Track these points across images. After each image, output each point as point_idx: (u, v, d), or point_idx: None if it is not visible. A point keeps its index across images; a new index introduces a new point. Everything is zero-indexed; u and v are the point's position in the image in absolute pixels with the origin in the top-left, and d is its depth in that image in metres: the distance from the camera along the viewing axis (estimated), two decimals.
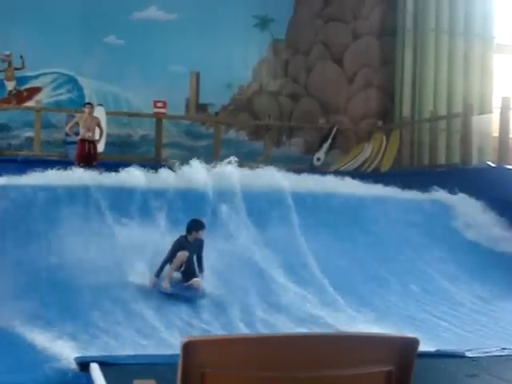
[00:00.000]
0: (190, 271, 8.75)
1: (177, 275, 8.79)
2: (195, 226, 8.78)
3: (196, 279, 8.67)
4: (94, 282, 8.34)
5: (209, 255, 9.09)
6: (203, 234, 8.83)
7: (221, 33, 18.43)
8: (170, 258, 8.66)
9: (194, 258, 8.83)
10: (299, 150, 18.63)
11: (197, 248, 8.80)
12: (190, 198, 10.41)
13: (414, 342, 2.71)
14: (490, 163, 14.33)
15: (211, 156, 16.10)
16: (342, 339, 2.72)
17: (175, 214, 9.94)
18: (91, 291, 8.20)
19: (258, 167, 11.97)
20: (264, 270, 9.56)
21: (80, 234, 9.20)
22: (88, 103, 14.05)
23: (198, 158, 11.42)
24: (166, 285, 8.60)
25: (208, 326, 8.03)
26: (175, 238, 8.91)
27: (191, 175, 10.93)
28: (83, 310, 7.89)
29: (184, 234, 8.86)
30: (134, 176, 10.80)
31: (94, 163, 13.03)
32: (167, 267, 8.70)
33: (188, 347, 2.47)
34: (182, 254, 8.62)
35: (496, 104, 15.90)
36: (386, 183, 12.71)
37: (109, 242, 9.16)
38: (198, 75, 18.57)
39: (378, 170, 16.46)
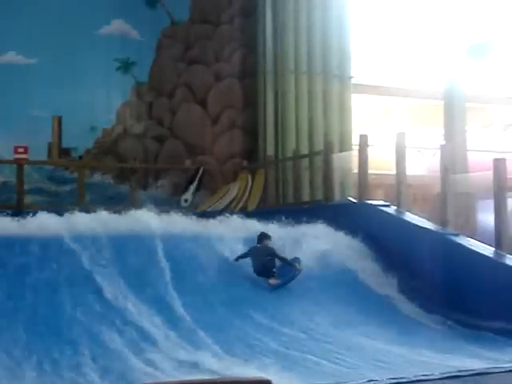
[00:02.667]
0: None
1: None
2: (264, 236, 11.33)
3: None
4: None
5: None
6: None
7: (83, 76, 18.24)
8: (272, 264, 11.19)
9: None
10: (166, 191, 18.56)
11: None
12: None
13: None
14: (351, 199, 14.77)
15: (76, 201, 15.88)
16: None
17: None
18: None
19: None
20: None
21: None
22: None
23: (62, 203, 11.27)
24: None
25: None
26: None
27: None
28: None
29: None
30: None
31: None
32: None
33: None
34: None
35: (355, 141, 16.41)
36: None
37: None
38: (60, 119, 18.22)
39: (245, 209, 16.61)
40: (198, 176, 17.65)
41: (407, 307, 11.70)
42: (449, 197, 12.86)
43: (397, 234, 12.69)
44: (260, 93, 17.80)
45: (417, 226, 12.51)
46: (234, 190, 17.23)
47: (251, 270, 11.23)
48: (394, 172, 13.59)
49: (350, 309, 11.06)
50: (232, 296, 10.56)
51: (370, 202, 13.78)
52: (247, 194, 17.01)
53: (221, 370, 7.90)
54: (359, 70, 19.15)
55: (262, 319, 10.17)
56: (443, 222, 12.65)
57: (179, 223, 12.02)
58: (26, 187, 16.08)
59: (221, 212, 15.54)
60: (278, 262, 11.31)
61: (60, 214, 11.18)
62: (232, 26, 18.50)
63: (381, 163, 15.57)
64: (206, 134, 18.56)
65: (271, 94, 17.60)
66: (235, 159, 18.09)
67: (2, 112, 17.40)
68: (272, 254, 11.20)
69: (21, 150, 16.66)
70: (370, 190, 14.17)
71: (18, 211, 12.75)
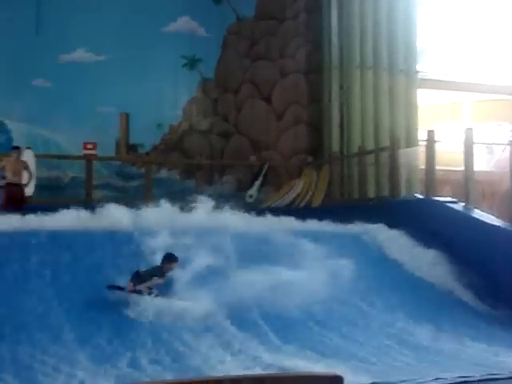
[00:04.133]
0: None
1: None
2: (169, 258, 9.70)
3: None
4: None
5: None
6: (176, 266, 9.69)
7: (150, 73, 18.51)
8: (143, 279, 9.46)
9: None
10: (231, 187, 18.69)
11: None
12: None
13: (338, 379, 2.74)
14: (417, 195, 14.60)
15: (143, 196, 16.10)
16: (269, 380, 2.73)
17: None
18: None
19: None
20: None
21: None
22: (15, 147, 13.89)
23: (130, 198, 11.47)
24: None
25: None
26: None
27: None
28: None
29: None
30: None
31: (23, 207, 12.83)
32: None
33: None
34: (158, 280, 9.53)
35: (422, 137, 16.22)
36: (318, 218, 12.82)
37: None
38: (127, 116, 18.54)
39: (309, 205, 16.59)
40: (263, 172, 17.72)
41: (475, 305, 11.49)
42: None
43: (464, 231, 12.47)
44: (325, 88, 17.73)
45: (485, 223, 12.28)
46: (298, 185, 17.22)
47: None
48: (461, 168, 13.38)
49: (415, 307, 10.91)
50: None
51: (437, 198, 13.59)
52: (312, 189, 16.98)
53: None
54: (426, 64, 18.90)
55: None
56: None
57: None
58: (94, 182, 16.41)
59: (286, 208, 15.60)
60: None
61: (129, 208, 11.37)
62: (297, 21, 18.47)
63: (448, 159, 15.35)
64: (270, 129, 18.60)
65: (336, 90, 17.51)
66: (300, 155, 18.07)
67: (72, 108, 17.80)
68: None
69: (90, 146, 17.02)
70: (436, 186, 13.98)
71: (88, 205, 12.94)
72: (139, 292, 9.32)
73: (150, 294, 9.40)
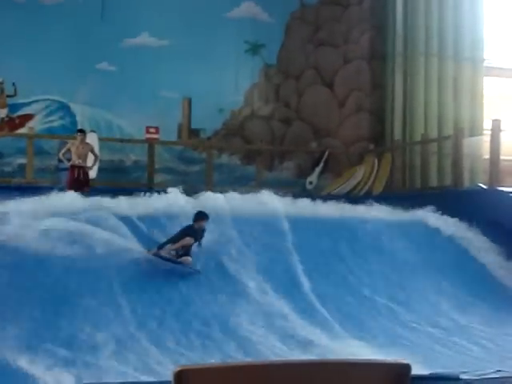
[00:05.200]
0: (186, 254, 9.81)
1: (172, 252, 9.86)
2: (200, 216, 9.90)
3: (187, 257, 9.75)
4: None
5: None
6: (206, 224, 9.92)
7: (213, 58, 18.49)
8: (175, 239, 9.78)
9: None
10: (291, 173, 18.65)
11: (199, 235, 9.91)
12: None
13: (406, 368, 2.71)
14: (481, 185, 14.36)
15: (204, 180, 16.23)
16: (335, 366, 2.71)
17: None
18: None
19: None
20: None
21: None
22: (80, 130, 14.08)
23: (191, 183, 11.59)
24: (164, 253, 9.72)
25: None
26: None
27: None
28: None
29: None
30: None
31: (87, 189, 13.02)
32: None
33: (180, 376, 2.44)
34: (189, 240, 9.74)
35: (486, 126, 15.94)
36: (378, 206, 12.74)
37: None
38: (190, 101, 18.60)
39: (370, 193, 16.46)
40: (324, 158, 17.62)
41: None
42: None
43: None
44: (388, 75, 17.53)
45: None
46: (359, 173, 17.09)
47: None
48: None
49: (480, 305, 10.76)
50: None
51: (501, 188, 13.35)
52: (373, 177, 16.83)
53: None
54: (492, 51, 18.51)
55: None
56: None
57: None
58: (156, 166, 16.59)
59: (346, 195, 15.51)
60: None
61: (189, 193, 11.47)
62: (361, 7, 18.28)
63: None
64: (332, 116, 18.48)
65: (400, 77, 17.30)
66: (361, 142, 17.93)
67: (135, 93, 17.91)
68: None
69: (152, 130, 17.14)
70: (502, 176, 13.73)
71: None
72: (159, 255, 9.62)
73: (177, 255, 9.67)
